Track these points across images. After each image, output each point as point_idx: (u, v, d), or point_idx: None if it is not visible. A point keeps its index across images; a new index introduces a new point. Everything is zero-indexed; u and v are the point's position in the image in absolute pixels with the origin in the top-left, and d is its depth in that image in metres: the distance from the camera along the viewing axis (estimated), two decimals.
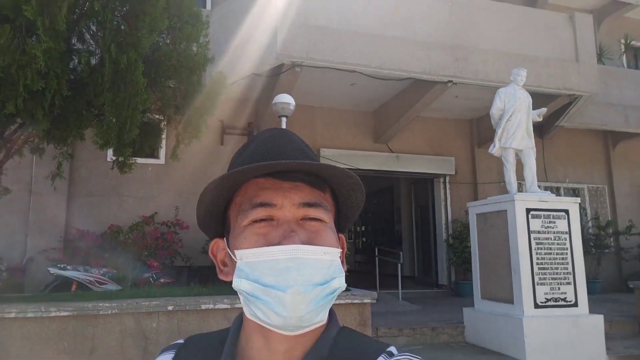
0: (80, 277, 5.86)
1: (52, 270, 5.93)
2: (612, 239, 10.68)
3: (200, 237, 7.98)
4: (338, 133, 9.45)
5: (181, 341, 0.78)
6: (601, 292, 9.87)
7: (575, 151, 11.18)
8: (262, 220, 0.66)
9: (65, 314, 3.51)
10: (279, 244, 0.63)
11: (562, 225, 5.56)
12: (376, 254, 9.71)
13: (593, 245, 10.05)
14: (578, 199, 5.90)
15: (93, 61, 4.04)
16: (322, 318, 0.65)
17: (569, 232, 5.57)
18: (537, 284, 5.37)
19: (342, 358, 0.67)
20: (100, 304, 3.59)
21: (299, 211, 0.66)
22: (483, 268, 5.99)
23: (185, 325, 3.86)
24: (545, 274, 5.41)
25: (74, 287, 5.83)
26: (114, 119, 3.63)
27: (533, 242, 5.42)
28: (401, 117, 8.76)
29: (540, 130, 9.87)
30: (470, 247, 9.25)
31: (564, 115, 9.30)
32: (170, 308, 3.79)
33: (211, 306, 3.90)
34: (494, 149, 5.94)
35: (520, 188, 7.19)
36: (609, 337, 5.67)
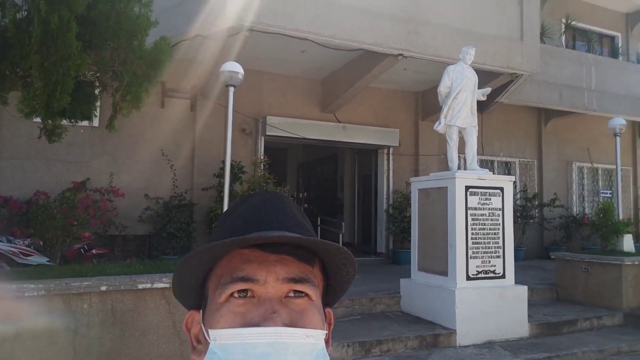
0: (3, 249, 5.46)
1: None
2: (537, 210, 11.42)
3: (137, 205, 7.66)
4: (285, 100, 9.25)
5: None
6: (524, 259, 10.61)
7: (511, 127, 11.69)
8: (241, 296, 0.60)
9: None
10: (257, 325, 0.57)
11: (496, 202, 5.83)
12: (319, 223, 9.79)
13: (520, 215, 10.69)
14: (513, 178, 6.19)
15: (19, 17, 3.60)
16: None
17: (502, 209, 5.85)
18: (470, 258, 5.64)
19: None
20: (26, 286, 3.34)
21: (283, 287, 0.61)
22: (421, 241, 6.20)
23: (120, 305, 3.69)
24: (478, 248, 5.69)
25: None
26: (42, 85, 3.27)
27: (469, 218, 5.65)
28: (350, 87, 8.68)
29: (481, 106, 10.13)
30: (409, 217, 9.56)
31: (504, 92, 9.61)
32: (103, 288, 3.59)
33: (148, 285, 3.75)
34: (439, 126, 6.05)
35: (460, 163, 7.44)
36: (530, 303, 6.12)
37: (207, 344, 0.60)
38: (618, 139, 8.35)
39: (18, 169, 7.18)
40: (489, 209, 5.79)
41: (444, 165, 10.33)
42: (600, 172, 12.80)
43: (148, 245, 7.58)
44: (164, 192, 7.81)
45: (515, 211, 10.20)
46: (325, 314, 0.67)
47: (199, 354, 0.64)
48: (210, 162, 8.12)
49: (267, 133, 8.91)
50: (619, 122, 8.29)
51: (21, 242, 5.60)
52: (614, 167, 10.58)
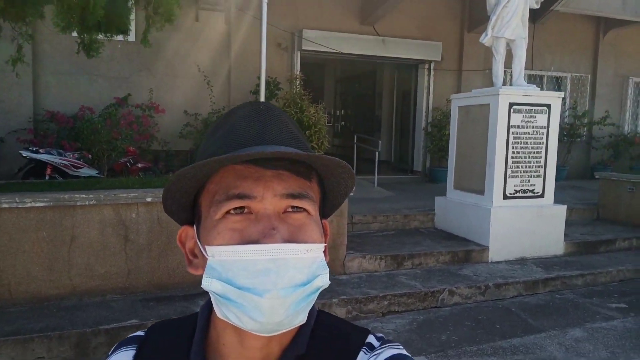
0: (55, 161, 5.78)
1: (25, 153, 5.81)
2: (585, 129, 10.91)
3: (177, 121, 7.81)
4: (322, 12, 8.82)
5: (141, 333, 0.71)
6: (567, 178, 10.34)
7: (565, 38, 10.83)
8: (238, 213, 0.58)
9: (41, 204, 3.49)
10: (257, 241, 0.56)
11: (542, 120, 5.57)
12: (355, 141, 9.76)
13: (566, 134, 10.26)
14: (561, 94, 5.84)
15: None
16: (303, 319, 0.59)
17: (548, 127, 5.61)
18: (509, 177, 5.54)
19: (321, 355, 0.64)
20: (77, 195, 3.57)
21: (281, 203, 0.59)
22: (459, 160, 6.10)
23: (164, 216, 3.91)
24: (518, 167, 5.56)
25: (49, 171, 5.77)
26: None
27: (511, 137, 5.46)
28: None
29: (534, 14, 9.38)
30: (447, 135, 9.36)
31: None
32: (149, 199, 3.80)
33: None
34: (486, 39, 5.66)
35: (506, 78, 7.05)
36: (568, 223, 6.06)
37: (204, 259, 0.60)
38: None
39: (62, 84, 7.37)
40: (533, 127, 5.56)
41: (489, 82, 9.84)
42: None
43: (190, 160, 7.84)
44: (203, 108, 7.89)
45: (562, 129, 9.81)
46: (322, 229, 0.65)
47: (195, 268, 0.64)
48: (246, 78, 8.05)
49: (304, 48, 8.65)
50: None
51: (71, 155, 5.90)
52: None
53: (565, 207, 5.84)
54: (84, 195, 3.59)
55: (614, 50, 11.37)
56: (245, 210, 0.59)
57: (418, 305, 4.46)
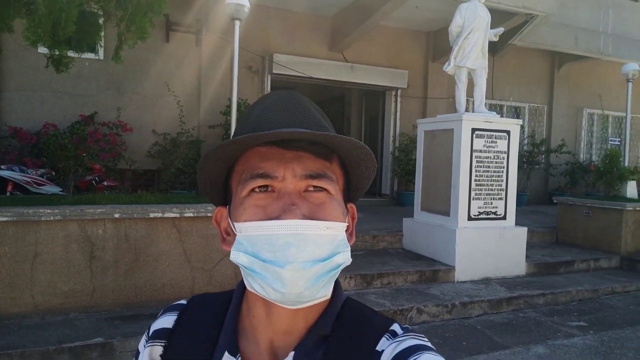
0: (17, 178, 5.60)
1: None
2: (543, 156, 11.42)
3: (145, 140, 7.72)
4: (293, 38, 9.03)
5: (184, 302, 0.77)
6: (528, 204, 10.75)
7: (523, 71, 11.43)
8: (262, 191, 0.63)
9: (4, 219, 3.37)
10: (278, 217, 0.60)
11: (502, 145, 5.83)
12: None
13: (525, 161, 10.71)
14: (520, 121, 6.15)
15: None
16: (325, 293, 0.63)
17: (508, 152, 5.87)
18: (473, 199, 5.73)
19: (345, 337, 0.66)
20: (42, 210, 3.47)
21: (301, 183, 0.63)
22: (425, 182, 6.28)
23: (133, 232, 3.84)
24: (481, 189, 5.77)
25: (10, 188, 5.58)
26: (47, 12, 3.22)
27: (474, 160, 5.68)
28: (360, 24, 8.44)
29: (493, 47, 9.91)
30: (414, 159, 9.60)
31: (518, 33, 9.32)
32: (117, 215, 3.72)
33: (160, 214, 3.87)
34: (449, 67, 5.94)
35: (468, 106, 7.37)
36: (530, 245, 6.29)
37: (234, 236, 0.65)
38: (630, 85, 8.19)
39: (26, 101, 7.19)
40: (494, 152, 5.81)
41: (452, 109, 10.23)
42: (610, 119, 12.65)
43: (157, 179, 7.72)
44: (171, 128, 7.84)
45: (521, 156, 10.24)
46: (347, 209, 0.69)
47: (228, 244, 0.68)
48: (216, 99, 8.09)
49: (274, 71, 8.79)
50: (633, 67, 8.10)
51: (34, 172, 5.73)
52: (625, 114, 10.44)
53: (526, 229, 6.07)
54: (48, 210, 3.49)
55: (568, 83, 12.06)
56: (269, 188, 0.63)
57: None
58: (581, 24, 10.51)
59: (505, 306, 5.11)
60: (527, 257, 6.10)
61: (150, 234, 3.92)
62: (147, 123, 7.86)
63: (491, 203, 5.83)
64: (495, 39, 6.28)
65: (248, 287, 0.64)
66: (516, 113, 11.56)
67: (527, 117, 11.63)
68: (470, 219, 5.71)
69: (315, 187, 0.63)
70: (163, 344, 0.72)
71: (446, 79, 9.71)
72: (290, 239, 0.59)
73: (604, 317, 5.02)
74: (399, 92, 10.20)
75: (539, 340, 4.35)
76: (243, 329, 0.69)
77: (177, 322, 0.73)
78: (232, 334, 0.67)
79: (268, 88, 8.89)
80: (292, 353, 0.64)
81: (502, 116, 10.48)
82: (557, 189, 11.50)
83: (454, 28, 5.92)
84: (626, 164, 8.21)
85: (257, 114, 0.67)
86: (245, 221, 0.62)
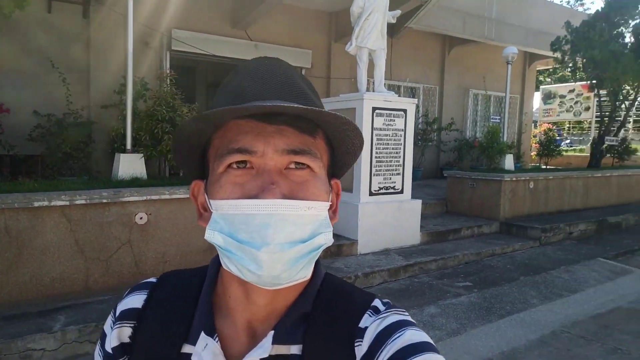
0: None
1: None
2: (435, 134, 12.29)
3: (26, 122, 7.01)
4: (193, 13, 8.64)
5: (153, 280, 0.73)
6: (422, 178, 11.55)
7: (418, 53, 12.10)
8: (240, 167, 0.59)
9: None
10: (256, 196, 0.57)
11: (400, 123, 6.20)
12: None
13: (420, 138, 11.46)
14: (415, 100, 6.55)
15: None
16: (305, 274, 0.60)
17: (405, 130, 6.25)
18: (374, 175, 6.06)
19: (326, 315, 0.65)
20: None
21: (282, 159, 0.59)
22: None
23: (14, 224, 3.52)
24: (381, 166, 6.10)
25: None
26: None
27: (374, 138, 5.98)
28: (262, 2, 8.32)
29: (392, 29, 10.36)
30: None
31: (414, 17, 9.82)
32: None
33: (46, 203, 3.57)
34: (351, 47, 6.12)
35: (369, 85, 7.66)
36: (423, 216, 6.82)
37: (211, 212, 0.61)
38: (510, 67, 9.07)
39: None
40: (392, 130, 6.16)
41: (354, 89, 10.58)
42: (492, 99, 13.91)
43: (41, 165, 7.06)
44: (57, 108, 7.17)
45: (416, 134, 10.92)
46: (331, 186, 0.66)
47: (205, 220, 0.64)
48: (108, 76, 7.54)
49: (173, 48, 8.40)
50: (512, 50, 8.96)
51: None
52: (504, 94, 11.52)
53: (420, 201, 6.56)
54: None
55: (457, 66, 13.02)
56: (247, 165, 0.59)
57: None
58: (469, 10, 11.35)
59: (402, 273, 5.52)
60: (421, 227, 6.61)
61: (36, 224, 3.62)
62: (27, 103, 7.11)
63: (390, 178, 6.20)
64: (394, 21, 6.57)
65: (224, 267, 0.61)
66: (412, 93, 12.26)
67: (421, 97, 12.39)
68: (371, 194, 6.03)
69: (297, 164, 0.60)
70: (132, 325, 0.68)
71: (349, 59, 9.97)
72: (268, 219, 0.56)
73: (485, 276, 5.65)
74: (304, 71, 10.29)
75: (431, 302, 4.80)
76: (219, 308, 0.66)
77: (147, 301, 0.69)
78: (208, 313, 0.65)
79: (167, 66, 8.48)
80: (272, 332, 0.62)
81: (399, 96, 11.08)
82: (447, 164, 12.49)
83: (355, 9, 6.09)
84: (505, 139, 9.15)
85: (237, 83, 0.63)
86: (221, 199, 0.59)
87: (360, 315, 0.64)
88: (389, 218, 6.15)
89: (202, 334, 0.63)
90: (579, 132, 22.84)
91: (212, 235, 0.60)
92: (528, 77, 14.91)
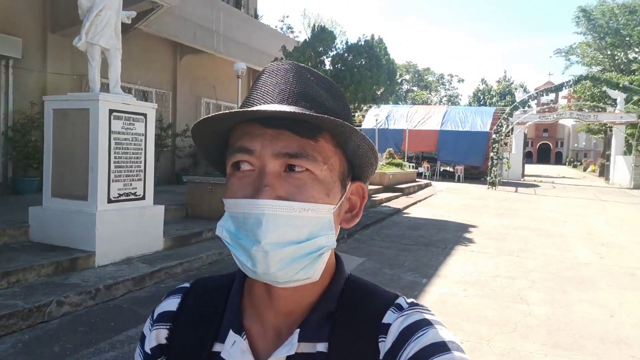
0: None
1: None
2: (170, 140, 12.28)
3: None
4: None
5: (187, 285, 0.76)
6: (158, 184, 11.32)
7: (150, 56, 11.85)
8: (243, 169, 0.62)
9: None
10: (252, 197, 0.59)
11: (140, 127, 6.04)
12: None
13: (155, 144, 11.22)
14: (155, 105, 6.49)
15: None
16: (309, 275, 0.61)
17: (145, 135, 6.12)
18: (113, 181, 5.72)
19: (351, 312, 0.66)
20: None
21: (279, 161, 0.60)
22: (58, 166, 5.77)
23: None
24: (121, 171, 5.81)
25: None
26: None
27: (113, 142, 5.66)
28: None
29: (123, 28, 9.85)
30: (34, 141, 8.54)
31: (144, 19, 9.60)
32: None
33: None
34: (80, 42, 5.62)
35: (102, 86, 7.14)
36: (165, 222, 6.79)
37: None
38: (240, 80, 9.89)
39: None
40: (132, 134, 5.94)
41: (78, 86, 9.62)
42: (222, 108, 14.76)
43: None
44: None
45: None
46: (345, 188, 0.67)
47: None
48: None
49: None
50: (241, 66, 9.82)
51: None
52: (234, 105, 12.41)
53: (163, 207, 6.53)
54: None
55: (188, 73, 13.30)
56: (249, 167, 0.61)
57: (22, 325, 4.02)
58: (199, 21, 11.78)
59: (148, 281, 5.41)
60: (164, 232, 6.59)
61: None
62: None
63: (131, 184, 5.96)
64: (128, 21, 6.36)
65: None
66: (145, 97, 11.91)
67: (154, 101, 12.16)
68: (110, 201, 5.68)
69: (296, 166, 0.60)
70: (168, 327, 0.72)
71: (70, 53, 9.00)
72: (260, 218, 0.58)
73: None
74: (12, 62, 8.73)
75: None
76: (247, 308, 0.69)
77: (181, 304, 0.73)
78: (237, 313, 0.68)
79: None
80: (298, 330, 0.64)
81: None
82: (183, 169, 12.64)
83: (84, 1, 5.62)
84: None
85: (253, 87, 0.66)
86: (226, 197, 0.62)
87: (383, 312, 0.66)
88: (131, 225, 5.91)
89: (231, 331, 0.66)
90: None
91: (221, 231, 0.63)
92: None
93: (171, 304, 0.74)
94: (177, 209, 8.43)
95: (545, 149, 76.74)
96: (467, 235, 9.50)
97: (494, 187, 20.34)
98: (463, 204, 14.80)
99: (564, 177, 33.85)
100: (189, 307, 0.73)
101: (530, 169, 39.78)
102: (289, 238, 0.59)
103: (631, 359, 3.97)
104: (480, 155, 23.88)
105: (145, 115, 6.09)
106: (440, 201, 15.50)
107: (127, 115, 5.84)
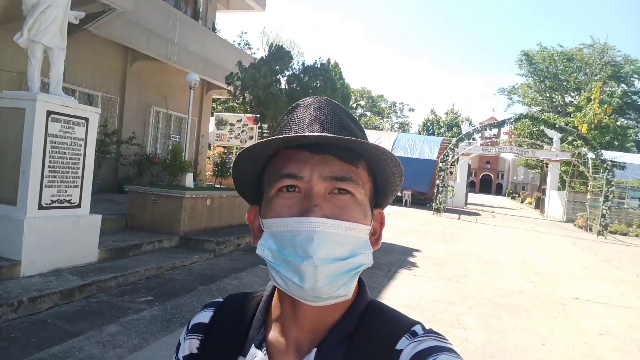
0: None
1: None
2: (114, 146, 11.77)
3: None
4: None
5: (220, 300, 0.81)
6: (98, 192, 10.80)
7: (98, 59, 11.40)
8: (289, 191, 0.66)
9: None
10: (301, 216, 0.63)
11: (80, 132, 5.73)
12: None
13: (97, 150, 10.74)
14: (99, 110, 6.21)
15: None
16: (346, 292, 0.65)
17: (85, 140, 5.82)
18: (46, 187, 5.37)
19: (367, 336, 0.68)
20: None
21: (326, 184, 0.65)
22: None
23: None
24: (55, 177, 5.48)
25: None
26: None
27: (49, 146, 5.33)
28: None
29: (70, 29, 9.43)
30: None
31: (94, 21, 9.24)
32: None
33: None
34: (21, 39, 5.30)
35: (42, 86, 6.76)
36: (102, 232, 6.44)
37: (263, 232, 0.68)
38: (192, 91, 9.69)
39: None
40: (71, 138, 5.63)
41: (16, 84, 9.06)
42: (173, 118, 14.40)
43: None
44: None
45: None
46: (373, 214, 0.71)
47: (258, 241, 0.70)
48: None
49: None
50: (194, 77, 9.63)
51: None
52: (185, 115, 12.14)
53: (100, 216, 6.19)
54: None
55: (139, 80, 12.90)
56: (296, 189, 0.66)
57: None
58: (153, 28, 11.49)
59: (77, 294, 5.08)
60: (100, 243, 6.24)
61: None
62: None
63: (66, 191, 5.62)
64: (76, 22, 6.10)
65: (273, 281, 0.67)
66: (90, 100, 11.40)
67: (100, 106, 11.65)
68: (41, 207, 5.32)
69: (339, 189, 0.66)
70: (200, 338, 0.77)
71: (11, 49, 8.49)
72: (311, 235, 0.62)
73: (167, 289, 5.82)
74: None
75: (111, 320, 4.61)
76: (271, 325, 0.73)
77: (212, 317, 0.78)
78: (260, 328, 0.72)
79: None
80: (315, 350, 0.67)
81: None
82: (126, 178, 12.13)
83: None
84: (186, 158, 9.65)
85: (290, 119, 0.71)
86: (271, 218, 0.66)
87: (398, 338, 0.68)
88: (63, 235, 5.55)
89: (252, 346, 0.70)
90: None
91: (262, 250, 0.67)
92: (205, 102, 16.16)
93: (205, 316, 0.79)
94: (116, 219, 8.04)
95: (487, 180, 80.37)
96: (411, 259, 9.67)
97: (438, 213, 20.96)
98: (409, 228, 15.13)
99: (503, 207, 35.50)
100: (219, 320, 0.78)
101: (473, 197, 41.46)
102: (336, 254, 0.63)
103: None
104: (427, 182, 24.64)
105: (87, 119, 5.81)
106: (387, 224, 15.69)
107: (66, 118, 5.54)
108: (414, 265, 9.07)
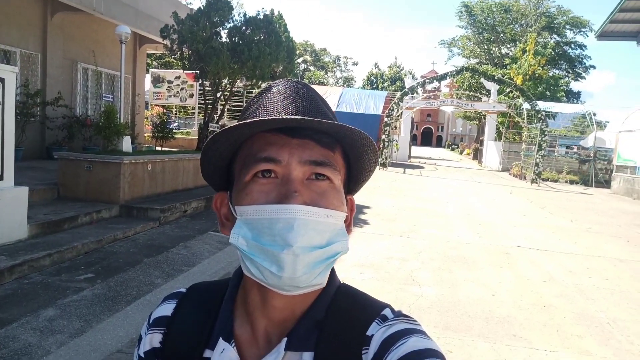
0: None
1: None
2: (39, 109, 10.74)
3: None
4: None
5: (183, 290, 0.77)
6: (23, 159, 9.90)
7: (13, 10, 10.16)
8: (265, 176, 0.63)
9: None
10: (280, 203, 0.61)
11: None
12: None
13: (19, 113, 9.76)
14: (16, 68, 5.49)
15: None
16: (321, 281, 0.63)
17: (3, 103, 5.15)
18: None
19: (337, 323, 0.66)
20: None
21: (305, 169, 0.63)
22: None
23: None
24: None
25: None
26: None
27: None
28: None
29: None
30: None
31: None
32: None
33: None
34: None
35: None
36: (31, 205, 5.86)
37: (234, 220, 0.65)
38: (124, 46, 8.87)
39: None
40: None
41: None
42: (104, 76, 13.29)
43: None
44: None
45: (15, 108, 9.19)
46: (346, 200, 0.69)
47: (227, 229, 0.68)
48: None
49: None
50: (125, 30, 8.80)
51: None
52: (117, 73, 11.22)
53: (27, 188, 5.60)
54: None
55: (62, 33, 11.68)
56: (272, 175, 0.63)
57: None
58: None
59: (7, 276, 4.62)
60: (29, 217, 5.68)
61: None
62: None
63: None
64: None
65: (245, 272, 0.64)
66: (7, 58, 10.21)
67: (19, 64, 10.49)
68: None
69: (318, 175, 0.64)
70: (162, 332, 0.73)
71: None
72: (291, 222, 0.59)
73: (109, 264, 5.43)
74: None
75: (48, 303, 4.23)
76: (239, 316, 0.70)
77: (175, 309, 0.74)
78: (227, 320, 0.69)
79: None
80: (285, 339, 0.65)
81: None
82: (55, 143, 11.18)
83: None
84: (121, 120, 8.95)
85: (263, 101, 0.68)
86: (247, 205, 0.63)
87: (368, 324, 0.66)
88: None
89: (220, 339, 0.67)
90: (185, 116, 24.91)
91: (236, 239, 0.63)
92: (139, 58, 15.03)
93: (167, 308, 0.75)
94: (46, 189, 7.37)
95: (428, 133, 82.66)
96: (362, 216, 9.71)
97: (385, 168, 21.27)
98: None
99: (444, 159, 36.76)
100: (182, 312, 0.74)
101: (416, 151, 42.51)
102: (315, 242, 0.61)
103: (513, 337, 4.27)
104: (373, 137, 24.52)
105: (2, 80, 5.11)
106: None
107: None
108: (365, 222, 9.12)
